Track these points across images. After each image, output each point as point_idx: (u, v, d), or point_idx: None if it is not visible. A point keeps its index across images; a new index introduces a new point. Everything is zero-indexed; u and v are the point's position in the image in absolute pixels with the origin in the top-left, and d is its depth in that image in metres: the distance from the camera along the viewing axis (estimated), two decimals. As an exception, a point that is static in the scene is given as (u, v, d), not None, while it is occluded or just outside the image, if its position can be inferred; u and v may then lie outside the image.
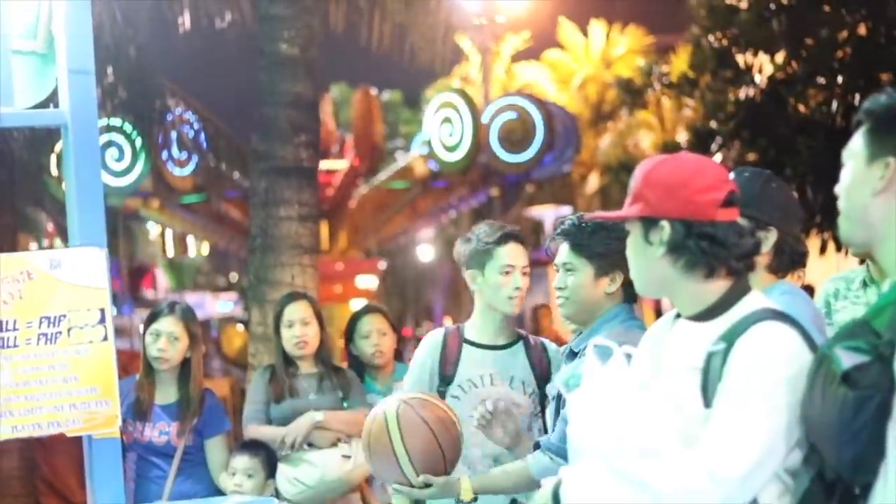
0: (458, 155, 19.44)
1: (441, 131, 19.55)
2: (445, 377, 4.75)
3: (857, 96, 12.65)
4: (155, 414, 5.78)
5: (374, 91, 24.63)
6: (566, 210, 31.55)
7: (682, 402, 2.87)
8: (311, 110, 9.22)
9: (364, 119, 22.90)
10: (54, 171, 17.22)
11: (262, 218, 8.91)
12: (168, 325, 5.79)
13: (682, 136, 19.64)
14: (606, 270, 4.15)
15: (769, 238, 3.56)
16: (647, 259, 3.00)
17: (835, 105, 13.16)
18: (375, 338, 6.34)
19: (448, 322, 38.77)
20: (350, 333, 6.44)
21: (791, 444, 2.77)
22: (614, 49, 36.53)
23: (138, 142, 15.49)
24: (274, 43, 9.04)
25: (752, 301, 2.94)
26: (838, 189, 2.71)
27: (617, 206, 3.62)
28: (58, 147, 14.40)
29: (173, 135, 13.62)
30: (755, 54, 13.74)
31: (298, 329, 6.03)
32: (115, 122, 12.65)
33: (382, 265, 23.33)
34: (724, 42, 13.89)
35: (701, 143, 14.03)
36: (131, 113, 10.47)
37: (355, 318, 6.48)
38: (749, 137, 13.71)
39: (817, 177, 12.56)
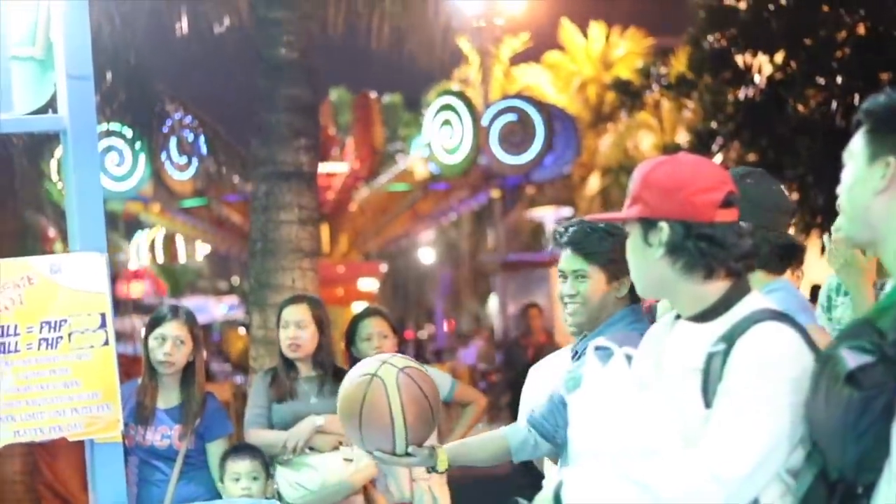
0: (458, 157, 19.43)
1: (441, 134, 19.55)
2: None
3: (857, 96, 12.67)
4: (157, 418, 5.78)
5: (373, 94, 24.62)
6: (567, 212, 31.59)
7: (682, 404, 2.87)
8: (311, 114, 9.22)
9: (364, 122, 22.87)
10: (55, 177, 17.24)
11: (263, 222, 8.92)
12: (173, 329, 5.79)
13: (683, 137, 19.64)
14: (617, 276, 4.11)
15: None
16: (646, 260, 3.01)
17: (834, 105, 13.17)
18: (376, 340, 6.32)
19: (446, 325, 38.73)
20: (351, 336, 6.43)
21: (793, 443, 2.77)
22: (614, 51, 36.56)
23: (138, 146, 15.46)
24: (273, 47, 9.05)
25: (752, 301, 2.94)
26: (840, 189, 2.72)
27: (617, 207, 3.62)
28: (58, 152, 14.41)
29: (173, 139, 13.61)
30: (754, 55, 13.76)
31: (292, 331, 6.03)
32: (115, 126, 12.65)
33: (383, 268, 23.29)
34: (723, 43, 13.90)
35: (701, 144, 14.04)
36: (130, 117, 10.47)
37: (356, 321, 6.47)
38: (748, 138, 13.73)
39: (817, 177, 12.58)
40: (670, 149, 21.84)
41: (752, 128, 13.70)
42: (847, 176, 2.69)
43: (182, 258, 22.56)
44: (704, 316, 2.95)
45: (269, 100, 9.03)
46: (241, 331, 19.14)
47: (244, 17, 10.38)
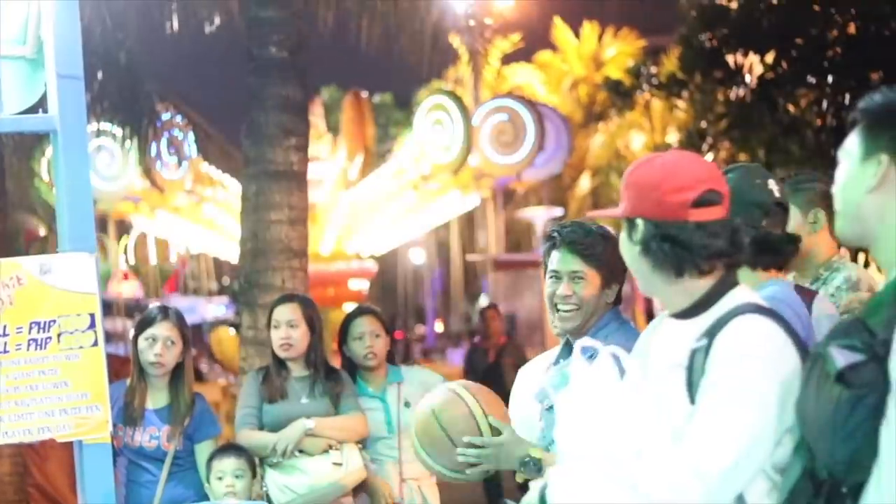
0: (449, 157, 19.45)
1: (432, 133, 19.56)
2: None
3: (848, 96, 12.68)
4: (146, 418, 5.77)
5: (364, 94, 24.62)
6: (558, 211, 31.59)
7: (668, 401, 2.87)
8: (301, 113, 9.21)
9: (355, 122, 22.89)
10: (46, 177, 17.20)
11: (253, 222, 8.90)
12: (164, 329, 5.78)
13: (673, 137, 19.66)
14: (610, 280, 4.11)
15: None
16: (631, 257, 3.05)
17: (825, 104, 13.19)
18: (368, 339, 6.29)
19: (440, 325, 38.67)
20: (343, 335, 6.41)
21: (776, 437, 2.77)
22: (606, 50, 36.60)
23: (128, 146, 15.44)
24: (263, 46, 9.03)
25: (738, 295, 2.95)
26: (834, 187, 2.72)
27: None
28: (49, 152, 14.38)
29: (163, 139, 13.58)
30: (745, 54, 13.77)
31: (284, 331, 6.02)
32: (105, 126, 12.61)
33: (374, 268, 23.28)
34: (714, 42, 13.91)
35: (692, 143, 14.06)
36: (121, 117, 10.43)
37: (348, 320, 6.44)
38: (739, 138, 13.74)
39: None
40: (661, 149, 21.89)
41: (742, 127, 13.72)
42: (841, 173, 2.70)
43: (173, 258, 22.51)
44: (689, 312, 2.97)
45: (259, 99, 9.02)
46: (231, 331, 19.08)
47: (235, 17, 10.37)
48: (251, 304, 8.77)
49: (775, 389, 2.75)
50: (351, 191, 21.78)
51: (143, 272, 22.12)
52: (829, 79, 13.08)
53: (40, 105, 4.54)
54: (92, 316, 4.26)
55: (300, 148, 9.05)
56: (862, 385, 2.43)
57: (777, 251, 3.69)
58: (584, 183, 36.37)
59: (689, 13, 14.49)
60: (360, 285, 22.39)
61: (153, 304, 6.32)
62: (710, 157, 13.67)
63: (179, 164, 18.13)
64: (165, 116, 12.50)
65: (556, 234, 4.18)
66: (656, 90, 16.03)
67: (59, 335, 4.23)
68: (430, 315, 43.52)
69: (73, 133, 4.37)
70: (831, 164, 2.75)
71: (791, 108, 13.68)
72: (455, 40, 12.10)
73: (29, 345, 4.22)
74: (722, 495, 2.77)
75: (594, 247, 4.09)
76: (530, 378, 4.68)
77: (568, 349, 4.13)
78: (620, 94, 17.13)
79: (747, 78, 13.81)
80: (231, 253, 18.54)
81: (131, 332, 6.22)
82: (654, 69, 16.75)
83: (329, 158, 22.19)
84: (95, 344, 4.26)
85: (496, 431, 3.86)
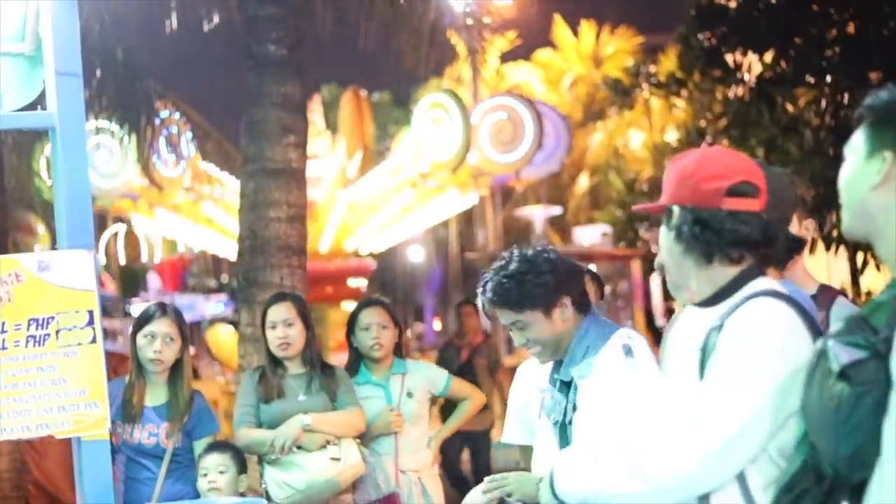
0: (447, 155, 19.45)
1: (431, 131, 19.56)
2: None
3: (846, 95, 12.68)
4: (144, 415, 5.77)
5: (363, 91, 24.60)
6: (556, 210, 31.59)
7: (684, 383, 2.91)
8: (300, 111, 9.21)
9: (354, 119, 22.88)
10: (44, 174, 17.21)
11: (252, 219, 8.90)
12: (163, 326, 5.79)
13: (672, 136, 19.66)
14: (552, 304, 4.03)
15: None
16: (666, 245, 3.10)
17: (824, 104, 13.18)
18: (375, 330, 6.33)
19: (438, 323, 38.60)
20: (351, 325, 6.45)
21: (778, 419, 2.78)
22: (605, 49, 36.59)
23: (127, 143, 15.44)
24: (262, 44, 9.03)
25: (759, 284, 2.99)
26: (839, 183, 2.73)
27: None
28: (47, 149, 14.37)
29: (162, 136, 13.59)
30: (744, 53, 13.76)
31: (281, 330, 6.02)
32: (104, 123, 12.62)
33: (373, 265, 23.28)
34: (713, 41, 13.90)
35: (690, 142, 14.05)
36: (120, 114, 10.43)
37: (357, 311, 6.50)
38: (738, 136, 13.73)
39: (806, 176, 12.56)
40: (660, 147, 21.93)
41: (741, 126, 13.71)
42: (846, 170, 2.70)
43: (144, 258, 22.54)
44: (712, 300, 3.01)
45: (258, 96, 9.02)
46: (230, 328, 19.07)
47: (233, 14, 10.36)
48: (250, 301, 8.76)
49: (781, 372, 2.77)
50: (350, 188, 21.77)
51: (113, 271, 22.09)
52: (828, 78, 13.07)
53: (39, 102, 4.54)
54: (90, 313, 4.26)
55: (299, 145, 9.05)
56: (864, 382, 2.43)
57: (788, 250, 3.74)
58: (583, 181, 36.35)
59: (688, 12, 14.47)
60: (359, 283, 22.38)
61: (151, 303, 6.32)
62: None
63: (178, 161, 18.15)
64: (164, 114, 12.52)
65: (481, 297, 4.12)
66: (655, 89, 16.02)
67: (57, 332, 4.23)
68: (428, 313, 43.55)
69: (72, 130, 4.36)
70: (830, 163, 2.76)
71: (790, 107, 13.67)
72: (454, 38, 12.08)
73: (27, 341, 4.22)
74: (717, 473, 2.79)
75: (510, 293, 4.01)
76: (530, 375, 4.70)
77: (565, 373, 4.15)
78: (619, 93, 17.11)
79: (746, 77, 13.80)
80: (230, 250, 18.52)
81: (129, 329, 6.22)
82: (653, 68, 16.75)
83: (328, 156, 22.17)
84: (94, 341, 4.26)
85: None
